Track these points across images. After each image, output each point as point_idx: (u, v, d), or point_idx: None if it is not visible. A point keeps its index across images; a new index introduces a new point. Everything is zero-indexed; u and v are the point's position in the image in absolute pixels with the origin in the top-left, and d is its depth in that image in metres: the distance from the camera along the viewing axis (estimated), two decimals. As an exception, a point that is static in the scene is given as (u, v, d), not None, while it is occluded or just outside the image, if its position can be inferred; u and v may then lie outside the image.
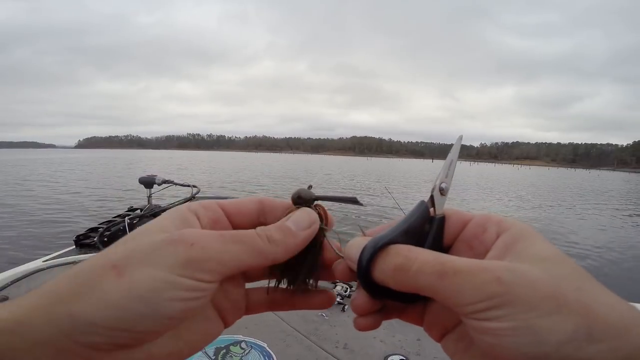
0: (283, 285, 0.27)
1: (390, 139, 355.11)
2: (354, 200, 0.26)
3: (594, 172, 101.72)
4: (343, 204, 0.26)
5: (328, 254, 0.26)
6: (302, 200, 0.26)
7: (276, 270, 0.26)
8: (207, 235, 0.22)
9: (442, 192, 0.23)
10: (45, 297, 0.18)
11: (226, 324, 0.26)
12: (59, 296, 0.18)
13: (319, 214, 0.26)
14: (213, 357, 1.23)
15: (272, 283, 0.27)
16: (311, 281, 0.27)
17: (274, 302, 0.27)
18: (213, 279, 0.21)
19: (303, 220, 0.25)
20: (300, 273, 0.26)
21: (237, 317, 0.26)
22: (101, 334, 0.17)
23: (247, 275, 0.27)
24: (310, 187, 0.27)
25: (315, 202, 0.26)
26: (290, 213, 0.26)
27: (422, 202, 0.23)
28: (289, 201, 0.27)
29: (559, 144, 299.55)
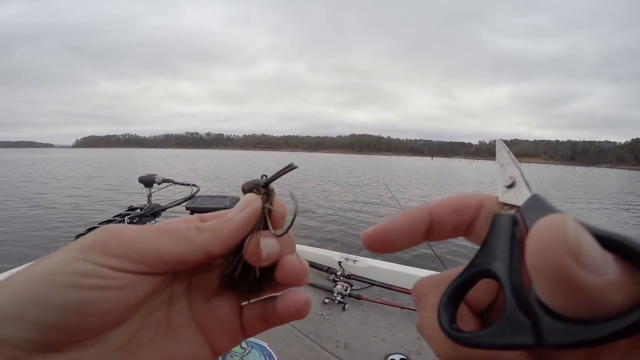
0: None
1: (389, 137, 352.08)
2: (289, 167, 0.23)
3: (594, 170, 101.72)
4: (290, 174, 0.23)
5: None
6: (250, 188, 0.23)
7: (228, 263, 0.22)
8: (127, 225, 0.19)
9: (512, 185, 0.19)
10: None
11: (215, 349, 0.22)
12: None
13: (267, 198, 0.23)
14: (214, 357, 1.23)
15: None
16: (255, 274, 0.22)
17: (267, 315, 0.23)
18: (122, 267, 0.18)
19: (239, 204, 0.22)
20: (236, 261, 0.22)
21: (229, 340, 0.23)
22: (7, 325, 0.16)
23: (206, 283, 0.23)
24: (264, 176, 0.24)
25: (267, 188, 0.24)
26: None
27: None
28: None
29: (557, 141, 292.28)
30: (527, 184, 0.18)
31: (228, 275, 0.22)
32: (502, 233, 0.17)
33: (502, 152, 0.21)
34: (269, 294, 0.24)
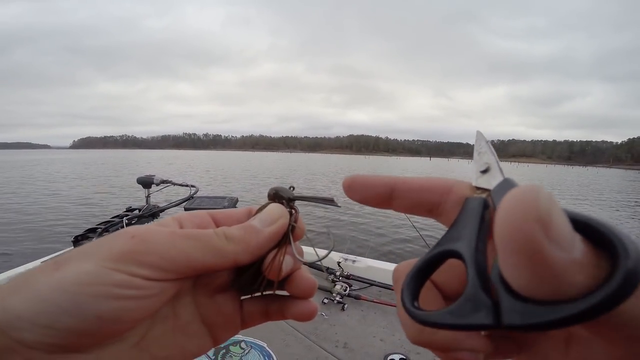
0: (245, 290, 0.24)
1: (387, 138, 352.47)
2: (330, 201, 0.24)
3: (592, 170, 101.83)
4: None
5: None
6: (277, 197, 0.24)
7: (245, 274, 0.23)
8: (154, 230, 0.19)
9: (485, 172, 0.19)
10: None
11: (216, 341, 0.23)
12: (0, 291, 0.17)
13: (290, 212, 0.24)
14: (212, 357, 1.23)
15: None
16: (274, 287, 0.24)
17: (268, 312, 0.25)
18: (155, 276, 0.18)
19: (269, 216, 0.23)
20: (258, 275, 0.23)
21: (230, 333, 0.24)
22: (29, 330, 0.16)
23: (218, 282, 0.24)
24: (292, 187, 0.25)
25: (293, 203, 0.24)
26: (260, 211, 0.24)
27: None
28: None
29: (554, 141, 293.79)
30: (500, 170, 0.18)
31: (248, 288, 0.24)
32: (471, 215, 0.17)
33: (481, 141, 0.21)
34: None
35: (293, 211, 0.24)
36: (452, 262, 0.17)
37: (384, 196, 0.21)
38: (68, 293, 0.16)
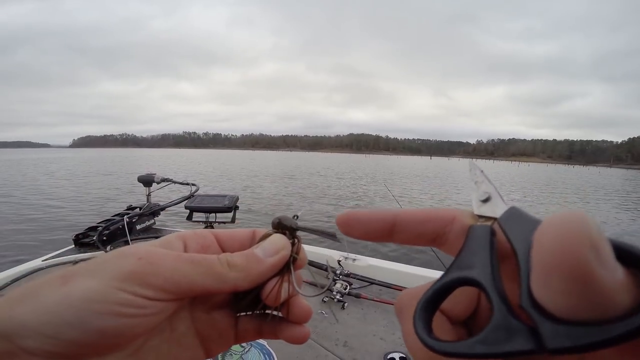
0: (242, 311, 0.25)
1: (387, 136, 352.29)
2: (332, 235, 0.25)
3: (593, 169, 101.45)
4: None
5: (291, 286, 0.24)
6: (281, 226, 0.25)
7: (244, 299, 0.24)
8: (161, 253, 0.21)
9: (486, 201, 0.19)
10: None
11: (209, 354, 0.24)
12: (8, 300, 0.18)
13: (293, 242, 0.25)
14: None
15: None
16: (273, 312, 0.25)
17: (262, 330, 0.26)
18: (158, 297, 0.19)
19: (272, 247, 0.24)
20: (257, 300, 0.24)
21: (223, 347, 0.25)
22: (33, 338, 0.17)
23: (214, 301, 0.25)
24: (295, 216, 0.26)
25: (295, 232, 0.25)
26: (263, 240, 0.24)
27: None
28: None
29: (554, 140, 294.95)
30: (502, 197, 0.18)
31: (245, 312, 0.25)
32: (479, 243, 0.17)
33: (476, 171, 0.21)
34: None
35: (296, 241, 0.25)
36: (458, 289, 0.17)
37: (384, 233, 0.20)
38: (73, 308, 0.17)
